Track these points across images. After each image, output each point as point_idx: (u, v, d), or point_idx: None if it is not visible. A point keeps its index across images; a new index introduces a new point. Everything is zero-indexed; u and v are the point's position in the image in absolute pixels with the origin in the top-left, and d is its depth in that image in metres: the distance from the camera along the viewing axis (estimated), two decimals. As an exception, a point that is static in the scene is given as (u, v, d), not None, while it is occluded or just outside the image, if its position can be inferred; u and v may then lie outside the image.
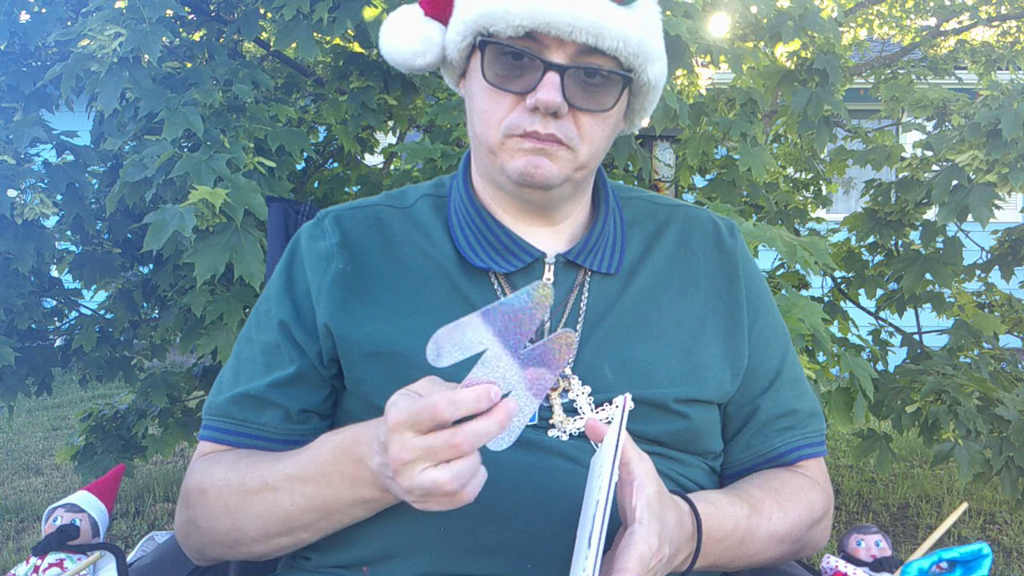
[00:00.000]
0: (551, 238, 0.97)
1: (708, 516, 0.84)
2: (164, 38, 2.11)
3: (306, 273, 0.96)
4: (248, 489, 0.85)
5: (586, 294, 0.95)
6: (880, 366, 2.96)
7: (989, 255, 3.05)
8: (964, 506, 1.00)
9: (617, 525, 0.73)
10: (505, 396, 0.69)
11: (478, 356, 0.70)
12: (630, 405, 0.73)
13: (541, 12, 0.83)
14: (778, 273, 3.00)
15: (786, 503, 0.93)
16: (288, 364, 0.93)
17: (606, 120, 0.90)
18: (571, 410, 0.89)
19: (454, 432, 0.67)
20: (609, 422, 0.89)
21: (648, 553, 0.69)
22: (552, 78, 0.84)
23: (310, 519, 0.83)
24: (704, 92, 2.91)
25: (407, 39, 0.95)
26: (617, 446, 0.67)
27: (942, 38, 5.17)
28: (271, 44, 2.63)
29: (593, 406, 0.89)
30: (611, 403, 0.89)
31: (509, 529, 0.83)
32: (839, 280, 3.25)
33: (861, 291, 3.14)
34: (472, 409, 0.68)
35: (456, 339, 0.70)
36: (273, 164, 2.22)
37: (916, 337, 3.07)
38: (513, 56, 0.86)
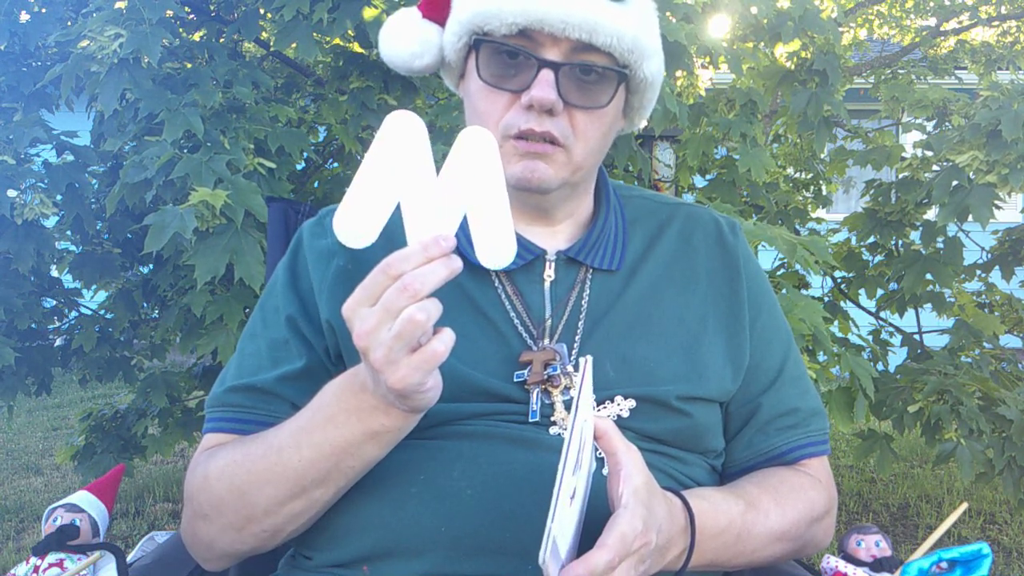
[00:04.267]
0: (551, 237, 0.98)
1: (702, 512, 0.83)
2: (164, 39, 2.11)
3: (309, 270, 0.96)
4: (253, 459, 0.83)
5: (587, 291, 0.95)
6: (880, 366, 2.96)
7: (989, 255, 3.05)
8: (964, 506, 1.00)
9: (607, 514, 0.72)
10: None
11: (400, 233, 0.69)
12: (591, 372, 0.72)
13: (534, 9, 0.83)
14: (778, 273, 3.00)
15: (784, 500, 0.93)
16: (297, 359, 0.92)
17: (602, 118, 0.90)
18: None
19: (400, 279, 0.67)
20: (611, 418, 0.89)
21: (631, 534, 0.68)
22: (546, 75, 0.85)
23: (321, 471, 0.80)
24: (704, 93, 2.91)
25: (405, 42, 0.96)
26: (576, 408, 0.66)
27: (942, 38, 5.18)
28: (271, 44, 2.63)
29: (595, 404, 0.89)
30: (612, 400, 0.89)
31: (510, 529, 0.82)
32: (839, 280, 3.25)
33: (861, 291, 3.14)
34: (423, 258, 0.67)
35: (362, 204, 0.69)
36: (273, 165, 2.22)
37: (916, 337, 3.07)
38: (508, 54, 0.86)
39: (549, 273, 0.95)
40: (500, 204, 0.71)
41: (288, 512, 0.83)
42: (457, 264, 0.68)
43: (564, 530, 0.66)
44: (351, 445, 0.79)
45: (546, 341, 0.91)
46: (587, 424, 0.70)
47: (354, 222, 0.69)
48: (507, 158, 0.88)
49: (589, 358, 0.72)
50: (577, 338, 0.92)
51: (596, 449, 0.82)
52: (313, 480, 0.81)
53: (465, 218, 0.71)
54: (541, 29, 0.84)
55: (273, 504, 0.83)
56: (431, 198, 0.69)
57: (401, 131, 0.69)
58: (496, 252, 0.72)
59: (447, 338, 0.69)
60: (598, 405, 0.89)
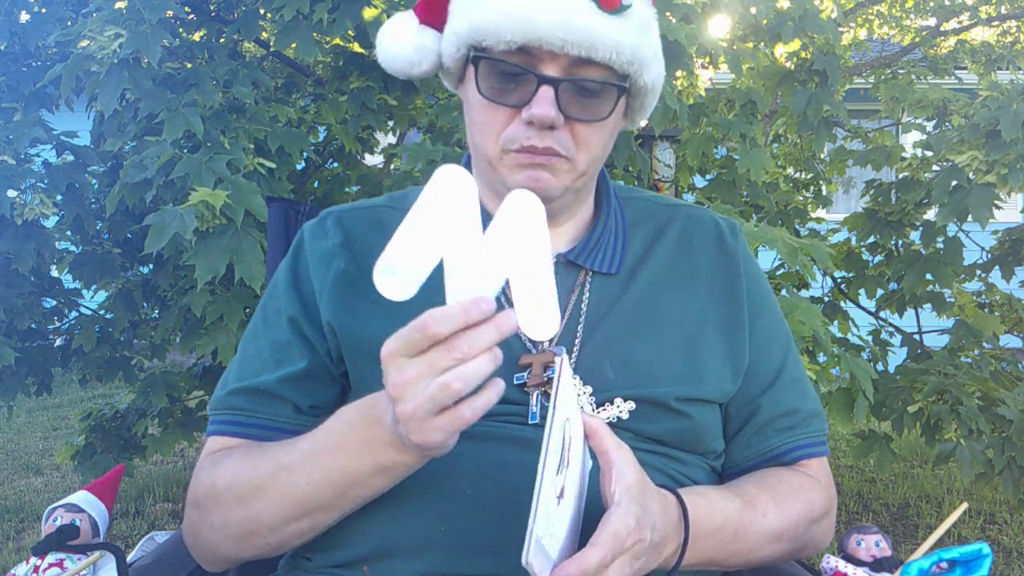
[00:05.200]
0: (553, 238, 0.97)
1: (696, 507, 0.83)
2: (164, 39, 2.11)
3: (310, 272, 0.96)
4: (262, 475, 0.83)
5: (587, 294, 0.95)
6: (880, 366, 2.96)
7: (989, 255, 3.05)
8: (964, 506, 1.00)
9: (600, 511, 0.72)
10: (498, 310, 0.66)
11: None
12: (568, 366, 0.70)
13: (532, 28, 0.82)
14: (778, 273, 3.00)
15: (782, 499, 0.93)
16: (299, 360, 0.92)
17: (603, 128, 0.90)
18: (572, 410, 0.89)
19: (450, 339, 0.65)
20: (609, 422, 0.89)
21: (624, 532, 0.69)
22: (546, 92, 0.84)
23: (328, 497, 0.81)
24: (704, 93, 2.91)
25: (403, 49, 0.95)
26: (554, 408, 0.65)
27: (942, 38, 5.17)
28: (271, 44, 2.63)
29: (594, 406, 0.89)
30: (612, 402, 0.89)
31: (510, 529, 0.82)
32: (839, 280, 3.25)
33: (861, 291, 3.14)
34: (463, 320, 0.65)
35: (407, 253, 0.67)
36: (273, 165, 2.22)
37: (916, 337, 3.07)
38: (507, 70, 0.86)
39: None
40: (545, 273, 0.70)
41: (292, 530, 0.84)
42: (509, 325, 0.66)
43: (554, 530, 0.66)
44: (360, 476, 0.79)
45: (545, 344, 0.91)
46: (571, 422, 0.69)
47: (395, 273, 0.67)
48: (510, 168, 0.88)
49: (564, 357, 0.71)
50: (577, 340, 0.92)
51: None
52: (320, 505, 0.81)
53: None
54: (540, 46, 0.83)
55: (278, 522, 0.83)
56: (475, 259, 0.67)
57: (451, 187, 0.67)
58: (539, 323, 0.70)
59: (479, 405, 0.67)
60: (598, 407, 0.89)
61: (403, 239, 0.67)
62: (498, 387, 0.66)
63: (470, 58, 0.89)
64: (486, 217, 0.95)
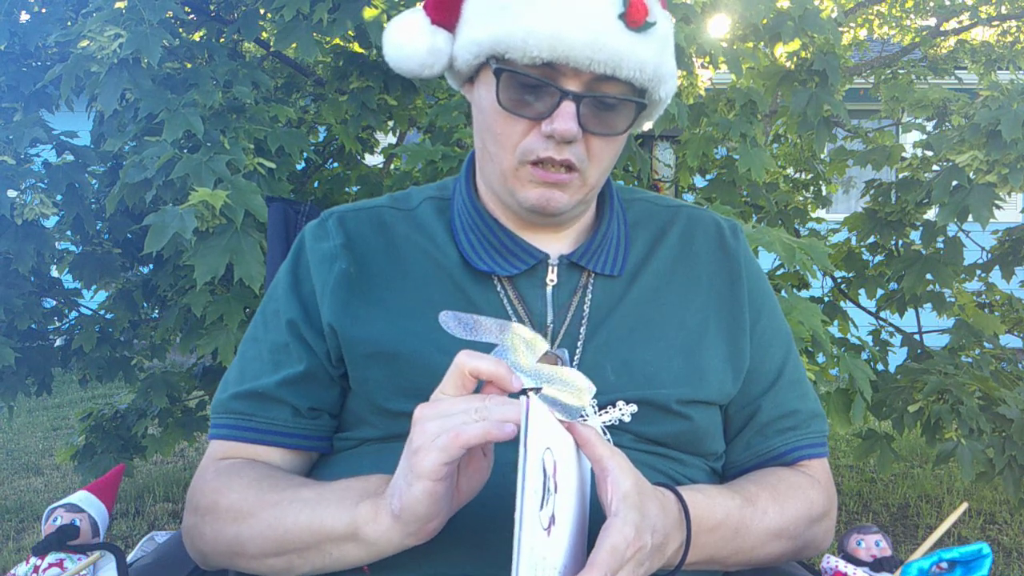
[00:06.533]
0: (556, 241, 0.98)
1: (696, 503, 0.83)
2: (164, 39, 2.11)
3: (311, 273, 0.96)
4: (264, 504, 0.84)
5: (589, 296, 0.95)
6: (880, 366, 2.96)
7: (989, 255, 3.05)
8: (964, 506, 1.00)
9: (603, 515, 0.72)
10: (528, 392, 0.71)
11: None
12: (539, 406, 0.71)
13: (560, 45, 0.82)
14: (778, 273, 3.00)
15: (782, 497, 0.93)
16: (297, 363, 0.92)
17: (617, 140, 0.90)
18: (574, 412, 0.89)
19: (482, 404, 0.69)
20: (610, 424, 0.89)
21: (622, 544, 0.68)
22: (568, 107, 0.84)
23: (304, 543, 0.81)
24: (704, 93, 2.91)
25: (415, 50, 0.93)
26: (525, 449, 0.64)
27: (942, 38, 5.17)
28: (271, 44, 2.63)
29: (596, 408, 0.89)
30: (614, 405, 0.89)
31: (511, 531, 0.82)
32: (839, 280, 3.25)
33: (861, 291, 3.14)
34: (491, 368, 0.70)
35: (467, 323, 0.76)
36: (273, 165, 2.22)
37: (917, 337, 3.07)
38: (530, 82, 0.85)
39: (552, 278, 0.95)
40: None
41: (269, 565, 0.84)
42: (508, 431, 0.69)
43: (546, 563, 0.65)
44: (335, 532, 0.78)
45: (551, 347, 0.91)
46: (551, 450, 0.69)
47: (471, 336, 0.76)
48: (523, 183, 0.88)
49: (532, 395, 0.70)
50: (579, 343, 0.92)
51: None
52: (294, 547, 0.81)
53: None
54: (566, 63, 0.83)
55: (259, 552, 0.84)
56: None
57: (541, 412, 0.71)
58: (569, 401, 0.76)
59: (477, 432, 0.68)
60: (599, 410, 0.89)
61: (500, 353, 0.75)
62: (502, 430, 0.68)
63: (493, 70, 0.87)
64: (486, 218, 0.96)
